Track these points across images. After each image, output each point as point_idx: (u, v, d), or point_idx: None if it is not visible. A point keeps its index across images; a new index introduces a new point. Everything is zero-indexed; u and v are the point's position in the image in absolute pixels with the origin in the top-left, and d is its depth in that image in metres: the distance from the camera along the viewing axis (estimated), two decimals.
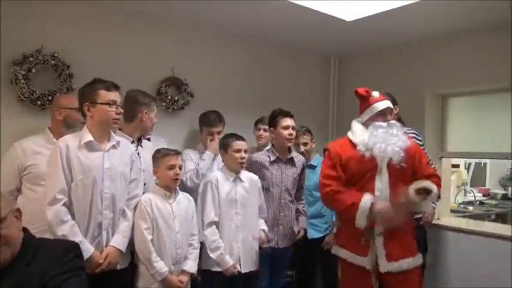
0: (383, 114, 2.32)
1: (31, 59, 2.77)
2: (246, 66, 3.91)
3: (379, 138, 2.23)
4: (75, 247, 1.58)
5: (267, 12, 3.22)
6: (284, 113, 2.78)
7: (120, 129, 2.45)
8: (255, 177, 2.68)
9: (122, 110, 2.17)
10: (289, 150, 2.83)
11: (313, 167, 3.21)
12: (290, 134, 2.75)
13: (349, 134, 2.37)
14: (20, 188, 2.40)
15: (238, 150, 2.53)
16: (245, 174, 2.63)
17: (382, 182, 2.23)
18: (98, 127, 2.12)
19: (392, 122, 2.32)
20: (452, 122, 3.75)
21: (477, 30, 3.36)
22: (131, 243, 2.22)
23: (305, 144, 3.21)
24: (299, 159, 2.88)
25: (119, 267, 2.15)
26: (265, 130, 3.26)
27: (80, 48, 3.00)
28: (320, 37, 3.85)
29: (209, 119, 3.07)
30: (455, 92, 3.67)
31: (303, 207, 2.97)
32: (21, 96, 2.75)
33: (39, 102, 2.80)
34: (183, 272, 2.30)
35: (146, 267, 2.20)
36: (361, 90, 2.37)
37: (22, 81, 2.74)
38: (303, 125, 3.24)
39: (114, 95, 2.12)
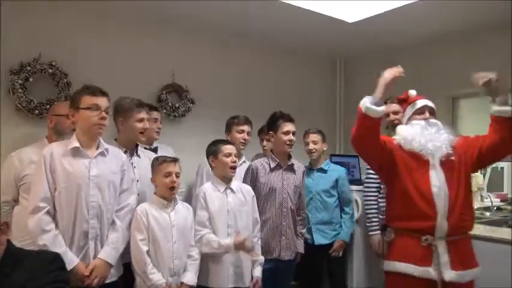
0: (421, 113, 2.28)
1: (28, 68, 2.77)
2: (249, 71, 3.86)
3: (418, 134, 2.19)
4: (58, 259, 1.53)
5: (270, 15, 3.20)
6: (285, 117, 2.68)
7: (115, 140, 2.42)
8: (248, 187, 2.58)
9: (105, 115, 2.07)
10: (289, 156, 2.74)
11: (324, 171, 3.12)
12: (290, 140, 2.65)
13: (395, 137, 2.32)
14: (17, 198, 2.37)
15: (229, 154, 2.45)
16: (237, 184, 2.53)
17: (438, 178, 2.12)
18: (83, 133, 2.07)
19: (433, 120, 2.25)
20: (463, 123, 3.67)
21: (486, 31, 3.30)
22: (123, 255, 2.15)
23: (314, 142, 3.10)
24: (298, 166, 2.79)
25: (107, 280, 2.07)
26: (267, 140, 3.20)
27: (78, 56, 2.99)
28: (325, 39, 3.80)
29: (239, 118, 3.08)
30: (466, 93, 3.59)
31: (302, 224, 2.84)
32: (18, 105, 2.75)
33: (36, 111, 2.79)
34: (182, 284, 2.22)
35: (142, 280, 2.14)
36: (401, 96, 2.37)
37: (20, 90, 2.73)
38: (315, 127, 3.18)
39: (98, 100, 2.05)
